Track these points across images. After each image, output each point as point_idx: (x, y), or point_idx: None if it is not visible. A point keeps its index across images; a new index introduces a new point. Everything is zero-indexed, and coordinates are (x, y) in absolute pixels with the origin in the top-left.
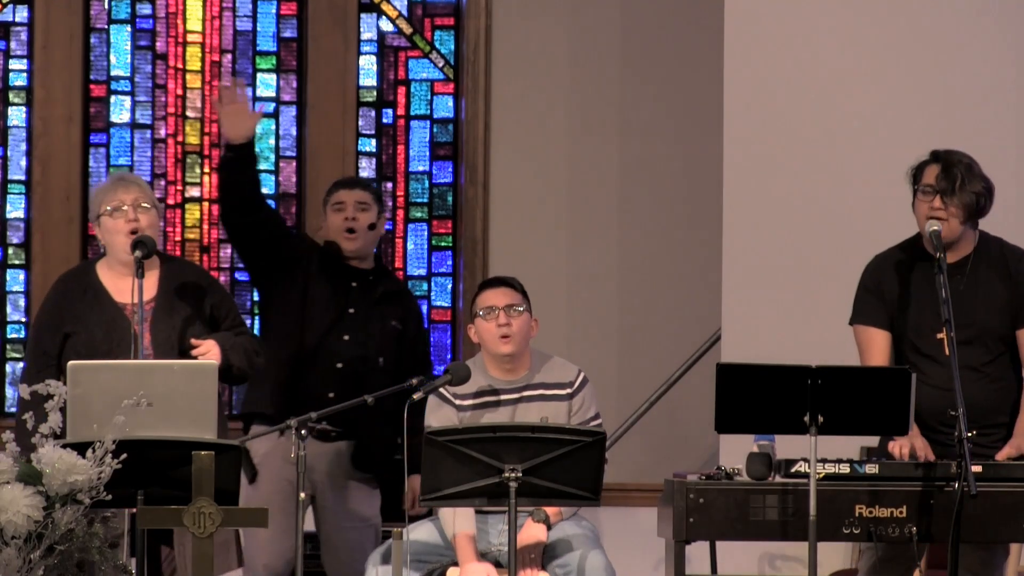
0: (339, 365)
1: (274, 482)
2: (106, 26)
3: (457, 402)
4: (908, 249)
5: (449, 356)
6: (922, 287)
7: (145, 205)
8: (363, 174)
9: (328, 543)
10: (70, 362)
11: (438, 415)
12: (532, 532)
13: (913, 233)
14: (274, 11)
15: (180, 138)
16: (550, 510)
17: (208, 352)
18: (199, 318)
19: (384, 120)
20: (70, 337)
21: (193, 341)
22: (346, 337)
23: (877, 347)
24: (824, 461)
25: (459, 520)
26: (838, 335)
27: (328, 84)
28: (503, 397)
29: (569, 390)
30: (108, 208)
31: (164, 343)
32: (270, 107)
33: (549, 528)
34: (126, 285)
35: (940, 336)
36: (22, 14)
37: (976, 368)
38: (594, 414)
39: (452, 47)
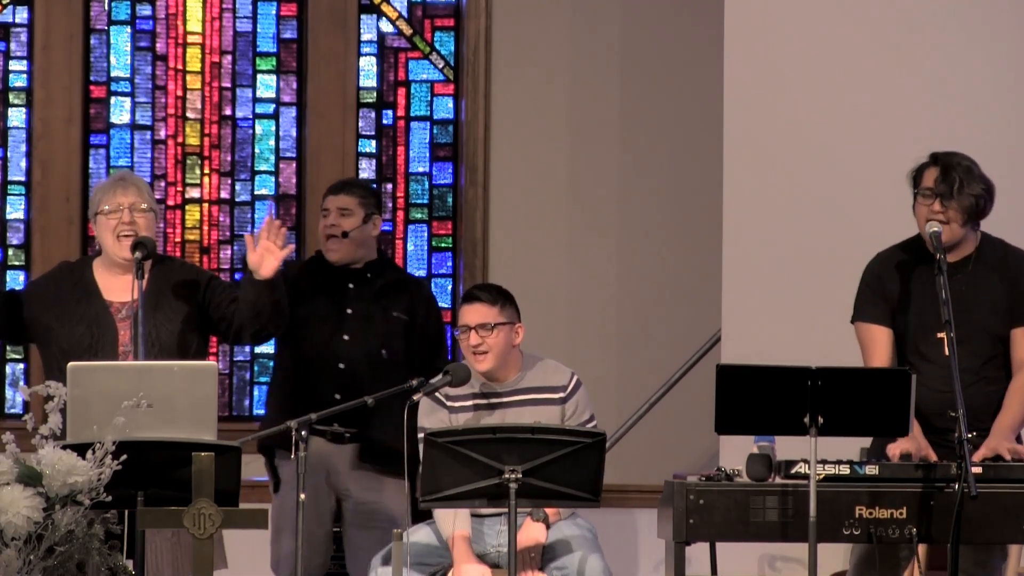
0: (341, 366)
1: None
2: (106, 27)
3: (449, 404)
4: (910, 249)
5: (449, 357)
6: (923, 287)
7: (143, 207)
8: (363, 175)
9: (352, 544)
10: (70, 363)
11: (432, 419)
12: (531, 533)
13: (915, 232)
14: (274, 12)
15: (180, 139)
16: (549, 510)
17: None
18: (187, 316)
19: (384, 121)
20: (52, 330)
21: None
22: (346, 337)
23: (880, 345)
24: (824, 462)
25: (454, 520)
26: (838, 335)
27: (328, 85)
28: (494, 400)
29: (562, 394)
30: (105, 208)
31: (146, 340)
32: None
33: (548, 528)
34: (117, 283)
35: (940, 335)
36: (22, 15)
37: (972, 370)
38: (588, 418)
39: (452, 48)
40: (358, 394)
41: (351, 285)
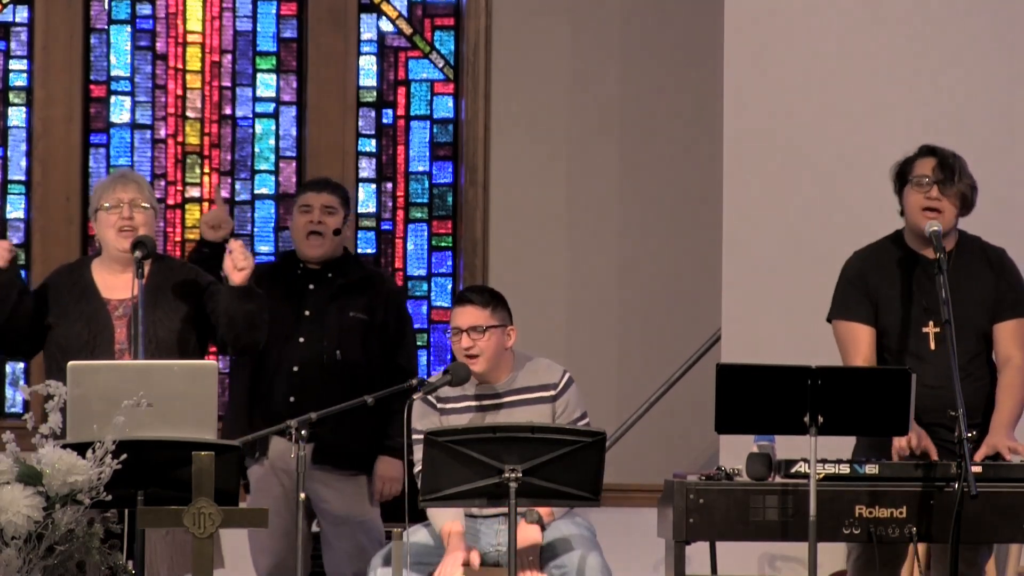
0: (295, 368)
1: (269, 493)
2: (106, 26)
3: (440, 405)
4: (891, 245)
5: (449, 357)
6: (907, 283)
7: (143, 205)
8: (363, 174)
9: (326, 543)
10: (70, 363)
11: (424, 422)
12: (527, 534)
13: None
14: (274, 11)
15: (180, 138)
16: (543, 510)
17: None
18: (186, 315)
19: (384, 120)
20: (51, 329)
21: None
22: (301, 339)
23: (863, 344)
24: (824, 461)
25: (447, 515)
26: None
27: (328, 84)
28: (486, 403)
29: (553, 392)
30: (105, 205)
31: (144, 337)
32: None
33: (543, 529)
34: (116, 281)
35: (926, 330)
36: (22, 14)
37: (958, 366)
38: (579, 416)
39: (452, 47)
40: (312, 397)
41: (311, 286)
